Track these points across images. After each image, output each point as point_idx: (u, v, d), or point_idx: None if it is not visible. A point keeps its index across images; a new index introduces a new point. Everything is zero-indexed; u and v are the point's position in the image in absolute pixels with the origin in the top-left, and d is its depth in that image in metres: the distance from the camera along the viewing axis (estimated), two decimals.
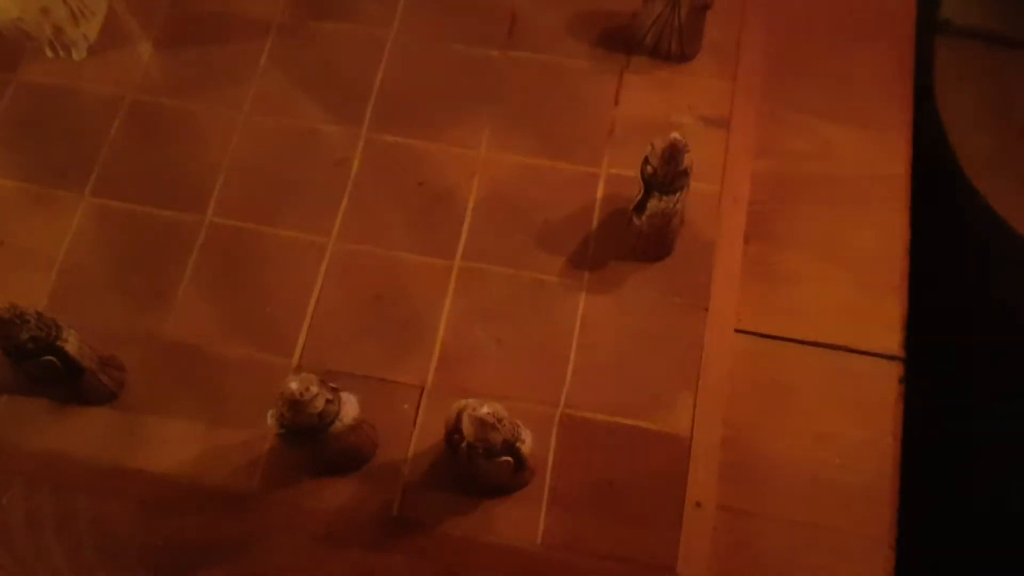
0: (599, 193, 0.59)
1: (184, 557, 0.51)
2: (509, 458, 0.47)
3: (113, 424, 0.54)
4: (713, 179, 0.59)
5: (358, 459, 0.51)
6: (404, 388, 0.54)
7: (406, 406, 0.54)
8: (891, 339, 0.56)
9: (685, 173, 0.51)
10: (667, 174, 0.51)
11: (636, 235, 0.55)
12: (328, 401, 0.46)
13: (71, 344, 0.49)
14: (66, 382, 0.51)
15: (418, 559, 0.51)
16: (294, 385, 0.43)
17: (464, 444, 0.46)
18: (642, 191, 0.52)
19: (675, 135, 0.49)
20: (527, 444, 0.48)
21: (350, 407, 0.47)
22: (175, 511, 0.52)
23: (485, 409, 0.44)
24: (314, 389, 0.44)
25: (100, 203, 0.60)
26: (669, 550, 0.51)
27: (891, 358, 0.55)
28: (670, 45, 0.61)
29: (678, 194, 0.52)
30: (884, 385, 0.55)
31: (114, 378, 0.53)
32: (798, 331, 0.56)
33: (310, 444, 0.47)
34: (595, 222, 0.58)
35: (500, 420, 0.45)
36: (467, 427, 0.44)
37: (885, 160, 0.61)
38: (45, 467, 0.53)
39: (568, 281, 0.57)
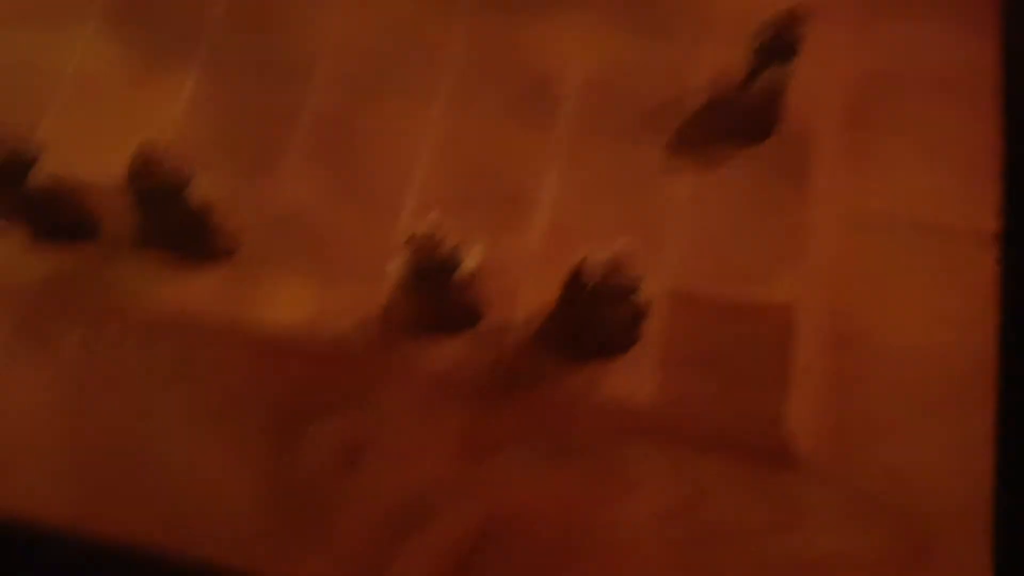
0: (703, 74, 0.60)
1: (299, 407, 0.53)
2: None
3: (229, 282, 0.55)
4: (816, 63, 0.60)
5: (471, 316, 0.52)
6: (509, 256, 0.55)
7: (512, 273, 0.55)
8: (990, 221, 0.57)
9: (795, 46, 0.52)
10: (781, 43, 0.51)
11: (742, 112, 0.56)
12: (455, 246, 0.47)
13: (198, 196, 0.50)
14: (190, 234, 0.52)
15: (526, 419, 0.52)
16: (431, 216, 0.44)
17: (589, 287, 0.47)
18: (754, 62, 0.53)
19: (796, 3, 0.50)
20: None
21: (475, 254, 0.48)
22: (290, 364, 0.53)
23: (615, 248, 0.45)
24: (447, 227, 0.45)
25: (207, 75, 0.61)
26: (776, 409, 0.52)
27: (990, 236, 0.56)
28: None
29: (786, 67, 0.53)
30: (983, 264, 0.56)
31: (232, 235, 0.54)
32: (900, 211, 0.57)
33: (434, 289, 0.48)
34: (700, 102, 0.59)
35: (625, 263, 0.46)
36: (593, 268, 0.45)
37: (977, 54, 0.61)
38: (164, 320, 0.54)
39: (673, 161, 0.58)
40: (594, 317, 0.49)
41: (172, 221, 0.51)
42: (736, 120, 0.57)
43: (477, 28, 0.62)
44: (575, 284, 0.48)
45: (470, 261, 0.48)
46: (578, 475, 0.51)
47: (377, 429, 0.52)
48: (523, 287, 0.54)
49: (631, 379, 0.52)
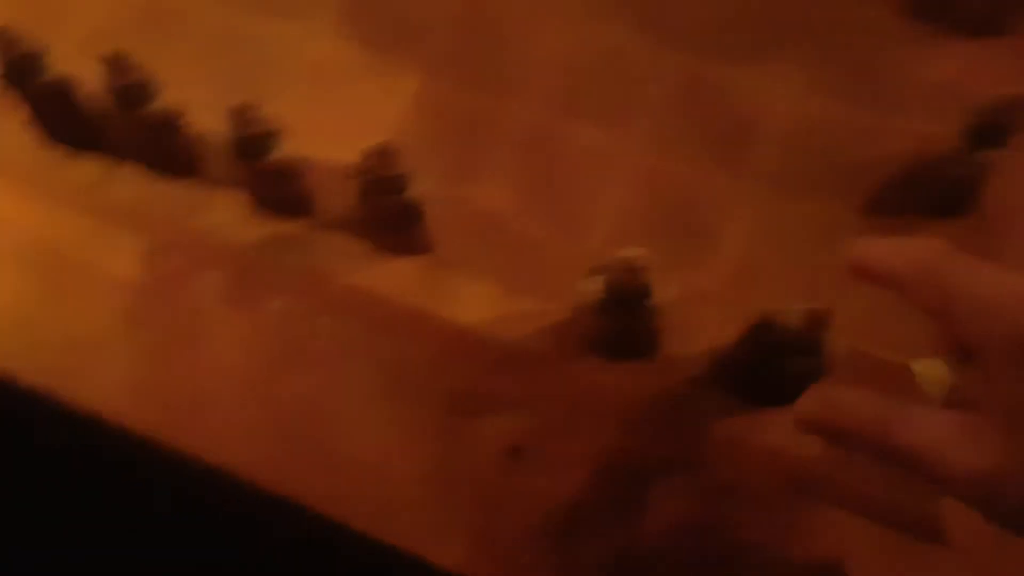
0: (903, 143, 0.61)
1: (471, 401, 0.56)
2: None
3: (423, 274, 0.59)
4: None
5: (650, 346, 0.55)
6: (692, 292, 0.57)
7: (693, 309, 0.57)
8: None
9: (1009, 129, 0.52)
10: (996, 125, 0.52)
11: (941, 186, 0.56)
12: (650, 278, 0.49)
13: (419, 191, 0.54)
14: (402, 227, 0.56)
15: (688, 452, 0.54)
16: (633, 251, 0.47)
17: (780, 337, 0.48)
18: (965, 140, 0.54)
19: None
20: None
21: (669, 287, 0.50)
22: (467, 360, 0.57)
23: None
24: (647, 259, 0.47)
25: (428, 79, 0.65)
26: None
27: None
28: None
29: (998, 148, 0.53)
30: None
31: (429, 235, 0.58)
32: None
33: (623, 315, 0.50)
34: (896, 171, 0.60)
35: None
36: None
37: None
38: (359, 300, 0.58)
39: (861, 224, 0.59)
40: (778, 367, 0.50)
41: (385, 214, 0.54)
42: (932, 194, 0.58)
43: (686, 66, 0.64)
44: (764, 332, 0.49)
45: (663, 294, 0.50)
46: (735, 515, 0.53)
47: (539, 436, 0.55)
48: (702, 324, 0.56)
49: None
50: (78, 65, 0.59)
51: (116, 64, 0.54)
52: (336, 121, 0.63)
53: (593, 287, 0.50)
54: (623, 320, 0.51)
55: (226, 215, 0.61)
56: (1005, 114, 0.52)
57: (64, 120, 0.61)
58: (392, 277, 0.59)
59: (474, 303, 0.58)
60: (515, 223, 0.60)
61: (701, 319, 0.56)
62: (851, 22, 0.65)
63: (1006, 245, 0.57)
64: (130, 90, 0.55)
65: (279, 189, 0.57)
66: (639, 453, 0.54)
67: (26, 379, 0.58)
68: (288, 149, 0.57)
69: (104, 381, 0.58)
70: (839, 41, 0.64)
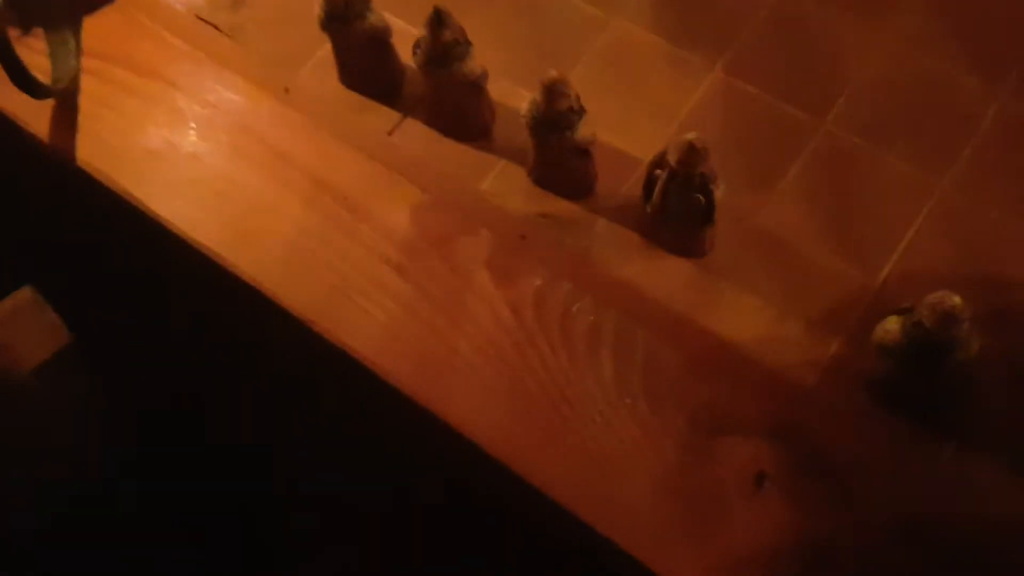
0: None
1: (721, 417, 0.54)
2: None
3: (692, 278, 0.57)
4: None
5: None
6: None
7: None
8: None
9: None
10: None
11: None
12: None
13: (719, 192, 0.52)
14: (692, 226, 0.54)
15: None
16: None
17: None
18: None
19: None
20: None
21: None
22: (725, 376, 0.55)
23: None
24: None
25: (728, 79, 0.63)
26: None
27: None
28: None
29: None
30: None
31: (712, 238, 0.56)
32: None
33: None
34: None
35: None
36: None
37: None
38: (617, 292, 0.57)
39: None
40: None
41: (679, 209, 0.53)
42: None
43: (1011, 109, 0.59)
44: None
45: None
46: None
47: (787, 467, 0.52)
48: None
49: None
50: (390, 16, 0.61)
51: (437, 21, 0.55)
52: (625, 107, 0.62)
53: (892, 329, 0.46)
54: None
55: (507, 184, 0.61)
56: None
57: (371, 68, 0.62)
58: (662, 275, 0.57)
59: (740, 318, 0.56)
60: (801, 243, 0.57)
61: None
62: None
63: None
64: (445, 48, 0.55)
65: (568, 167, 0.56)
66: (887, 509, 0.51)
67: (294, 309, 0.60)
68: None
69: (364, 325, 0.59)
70: None
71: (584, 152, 0.56)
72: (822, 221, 0.58)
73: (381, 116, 0.64)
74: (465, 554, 0.78)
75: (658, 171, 0.51)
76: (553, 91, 0.53)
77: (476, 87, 0.58)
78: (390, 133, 0.64)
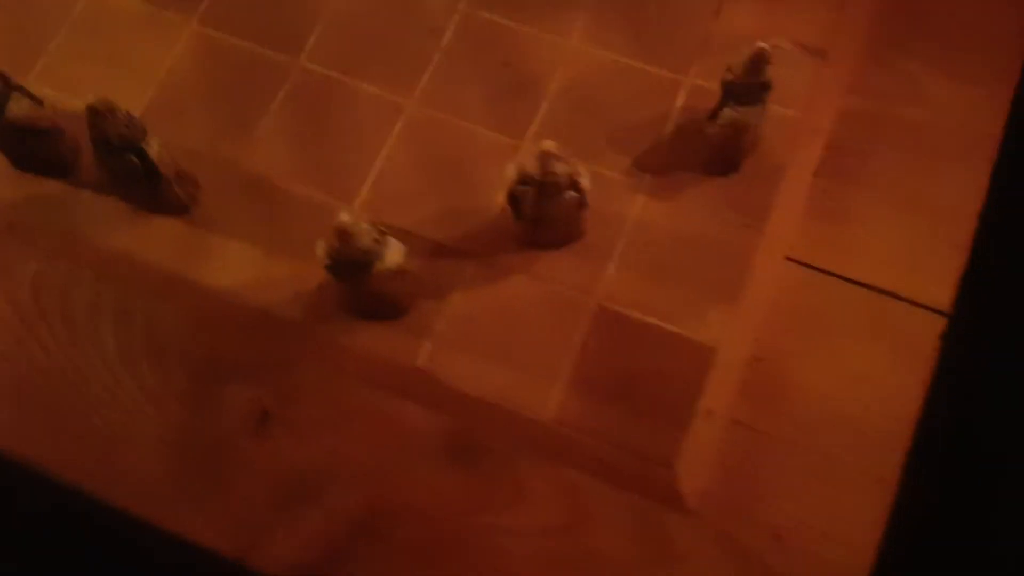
0: (680, 101, 0.59)
1: (221, 367, 0.55)
2: (574, 193, 0.50)
3: (180, 236, 0.58)
4: (796, 106, 0.59)
5: (396, 308, 0.54)
6: (455, 252, 0.56)
7: (449, 268, 0.56)
8: (942, 294, 0.55)
9: (764, 87, 0.51)
10: (747, 83, 0.51)
11: (707, 145, 0.55)
12: (375, 241, 0.48)
13: (153, 149, 0.52)
14: (144, 185, 0.54)
15: (431, 412, 0.53)
16: (345, 217, 0.46)
17: (531, 187, 0.49)
18: (720, 99, 0.53)
19: (761, 44, 0.49)
20: (586, 179, 0.51)
21: (396, 252, 0.49)
22: (221, 324, 0.56)
23: (548, 142, 0.47)
24: (363, 226, 0.46)
25: (205, 31, 0.63)
26: (671, 448, 0.52)
27: (936, 312, 0.55)
28: None
29: (754, 107, 0.52)
30: (924, 337, 0.55)
31: (188, 192, 0.57)
32: (849, 270, 0.56)
33: (353, 280, 0.49)
34: (670, 128, 0.59)
35: (562, 153, 0.48)
36: (531, 165, 0.48)
37: (980, 119, 0.59)
38: (113, 263, 0.57)
39: (630, 180, 0.58)
40: (539, 214, 0.51)
41: (125, 172, 0.53)
42: (702, 152, 0.57)
43: (474, 19, 0.63)
44: (513, 194, 0.50)
45: (392, 257, 0.49)
46: (470, 479, 0.52)
47: (288, 401, 0.54)
48: (461, 284, 0.56)
49: (537, 395, 0.53)
50: None
51: None
52: (105, 73, 0.61)
53: (320, 252, 0.49)
54: (354, 283, 0.50)
55: None
56: (753, 71, 0.50)
57: None
58: (149, 239, 0.58)
59: (231, 266, 0.57)
60: (282, 184, 0.59)
61: (452, 277, 0.55)
62: None
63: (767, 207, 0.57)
64: None
65: (30, 145, 0.55)
66: (388, 419, 0.54)
67: None
68: (55, 103, 0.56)
69: None
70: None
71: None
72: (301, 157, 0.59)
73: None
74: None
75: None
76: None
77: None
78: None
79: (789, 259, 0.56)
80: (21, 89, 0.55)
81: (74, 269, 0.57)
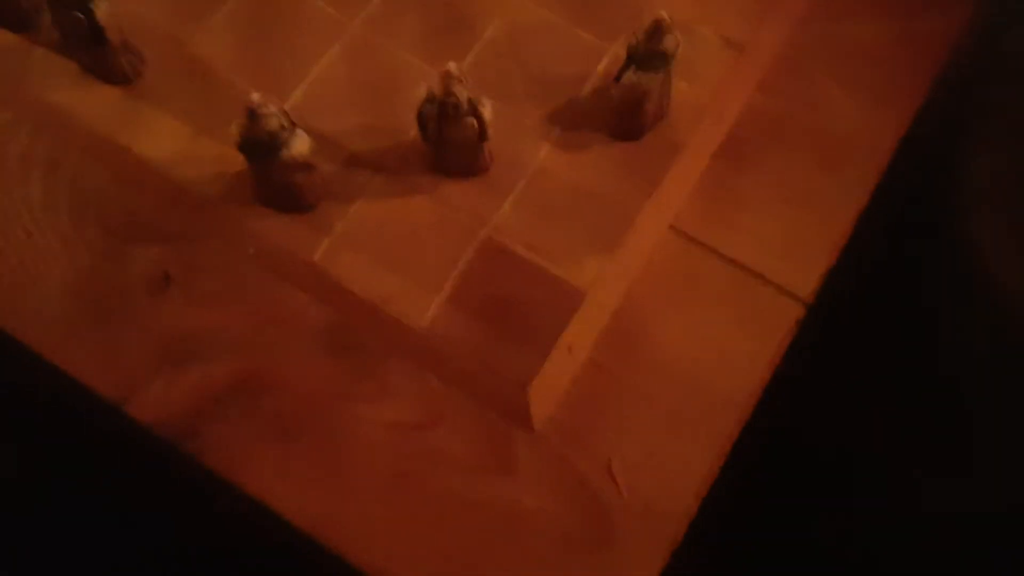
0: (601, 67, 0.64)
1: (132, 231, 0.59)
2: (474, 120, 0.53)
3: (118, 103, 0.62)
4: (706, 92, 0.63)
5: (301, 201, 0.58)
6: (367, 164, 0.61)
7: (358, 178, 0.60)
8: (806, 284, 0.60)
9: (664, 56, 0.56)
10: (647, 50, 0.55)
11: (609, 106, 0.60)
12: (283, 128, 0.52)
13: (101, 10, 0.56)
14: (89, 47, 0.58)
15: (318, 303, 0.58)
16: (256, 96, 0.50)
17: (435, 106, 0.52)
18: (624, 62, 0.57)
19: (661, 13, 0.53)
20: (488, 109, 0.54)
21: (302, 143, 0.53)
22: (141, 190, 0.60)
23: (451, 64, 0.51)
24: (272, 108, 0.51)
25: None
26: (528, 372, 0.57)
27: (798, 299, 0.60)
28: None
29: (654, 74, 0.57)
30: (781, 320, 0.60)
31: (131, 64, 0.61)
32: (725, 247, 0.61)
33: (261, 164, 0.54)
34: (586, 89, 0.63)
35: (463, 77, 0.51)
36: (435, 85, 0.51)
37: (877, 132, 0.64)
38: (51, 119, 0.61)
39: (540, 129, 0.62)
40: (440, 139, 0.55)
41: (72, 29, 0.57)
42: (606, 113, 0.61)
43: None
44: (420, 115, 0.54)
45: (298, 147, 0.54)
46: (341, 368, 0.57)
47: (189, 269, 0.58)
48: (366, 189, 0.60)
49: (418, 304, 0.58)
50: None
51: None
52: None
53: (233, 130, 0.53)
54: (261, 168, 0.54)
55: None
56: (654, 38, 0.55)
57: None
58: (89, 102, 0.62)
59: (161, 138, 0.61)
60: (224, 71, 0.63)
61: (360, 186, 0.60)
62: None
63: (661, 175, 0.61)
64: None
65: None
66: (277, 301, 0.58)
67: None
68: None
69: None
70: None
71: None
72: (245, 52, 0.63)
73: None
74: None
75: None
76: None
77: None
78: None
79: (672, 228, 0.61)
80: None
81: (14, 118, 0.61)
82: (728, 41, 0.65)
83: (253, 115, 0.50)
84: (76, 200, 0.60)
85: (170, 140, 0.61)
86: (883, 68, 0.66)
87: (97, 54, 0.59)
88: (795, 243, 0.61)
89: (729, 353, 0.59)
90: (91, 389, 0.56)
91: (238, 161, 0.60)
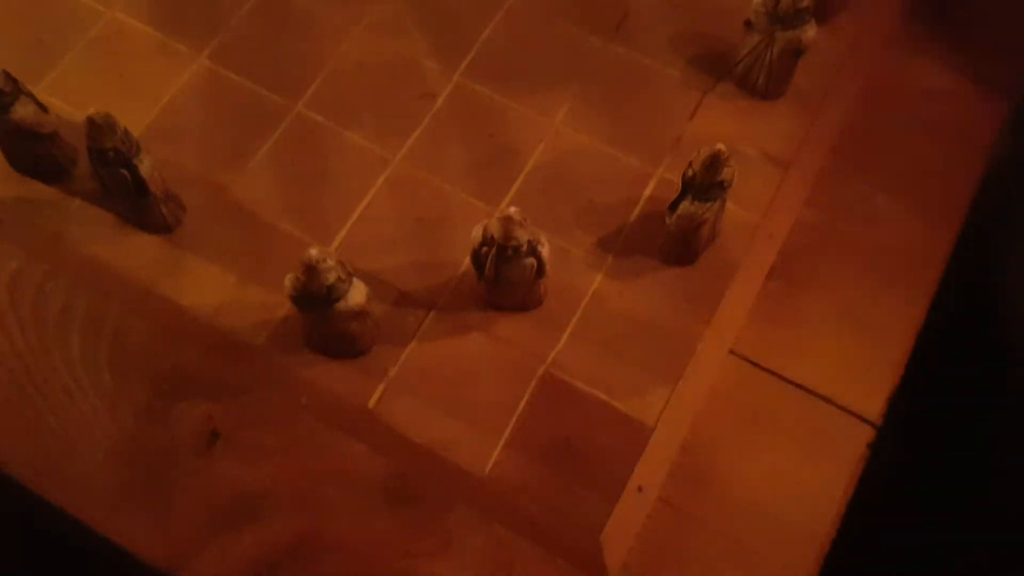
0: (648, 191, 0.63)
1: (177, 386, 0.57)
2: (533, 260, 0.52)
3: (159, 253, 0.60)
4: (756, 211, 0.63)
5: (355, 348, 0.56)
6: (418, 303, 0.59)
7: (411, 318, 0.59)
8: (873, 406, 0.58)
9: (721, 186, 0.55)
10: (704, 180, 0.54)
11: (665, 234, 0.59)
12: (340, 279, 0.51)
13: (144, 167, 0.55)
14: (131, 200, 0.57)
15: (374, 453, 0.55)
16: (314, 252, 0.48)
17: (493, 248, 0.52)
18: (679, 192, 0.56)
19: (720, 146, 0.53)
20: (546, 248, 0.54)
21: (359, 293, 0.52)
22: (184, 343, 0.58)
23: (512, 208, 0.50)
24: (330, 262, 0.49)
25: (212, 67, 0.66)
26: (599, 520, 0.54)
27: (866, 421, 0.58)
28: (757, 79, 0.65)
29: (711, 204, 0.56)
30: (852, 444, 0.57)
31: (173, 213, 0.59)
32: (788, 370, 0.59)
33: (315, 314, 0.52)
34: (636, 215, 0.62)
35: (524, 220, 0.51)
36: (494, 228, 0.51)
37: (926, 246, 0.63)
38: (90, 271, 0.59)
39: (592, 258, 0.61)
40: (497, 277, 0.54)
41: (115, 184, 0.55)
42: (660, 240, 0.60)
43: (467, 90, 0.66)
44: (478, 254, 0.53)
45: (355, 297, 0.52)
46: (402, 522, 0.54)
47: (239, 425, 0.56)
48: (417, 333, 0.58)
49: (478, 451, 0.55)
50: None
51: None
52: (109, 90, 0.64)
53: (287, 283, 0.51)
54: (316, 319, 0.52)
55: None
56: (711, 170, 0.54)
57: None
58: (129, 252, 0.60)
59: (204, 287, 0.59)
60: (264, 216, 0.61)
61: (418, 327, 0.58)
62: (637, 72, 0.67)
63: (718, 300, 0.60)
64: None
65: (31, 149, 0.58)
66: (333, 453, 0.56)
67: None
68: (60, 112, 0.59)
69: None
70: (610, 91, 0.67)
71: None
72: (287, 195, 0.62)
73: None
74: None
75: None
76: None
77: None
78: None
79: (732, 352, 0.59)
80: (30, 95, 0.57)
81: (53, 271, 0.59)
82: (771, 158, 0.64)
83: (311, 271, 0.49)
84: (117, 356, 0.57)
85: (213, 289, 0.59)
86: (925, 181, 0.65)
87: (139, 205, 0.57)
88: (857, 363, 0.59)
89: (803, 483, 0.56)
90: (138, 558, 0.53)
91: (285, 305, 0.58)
